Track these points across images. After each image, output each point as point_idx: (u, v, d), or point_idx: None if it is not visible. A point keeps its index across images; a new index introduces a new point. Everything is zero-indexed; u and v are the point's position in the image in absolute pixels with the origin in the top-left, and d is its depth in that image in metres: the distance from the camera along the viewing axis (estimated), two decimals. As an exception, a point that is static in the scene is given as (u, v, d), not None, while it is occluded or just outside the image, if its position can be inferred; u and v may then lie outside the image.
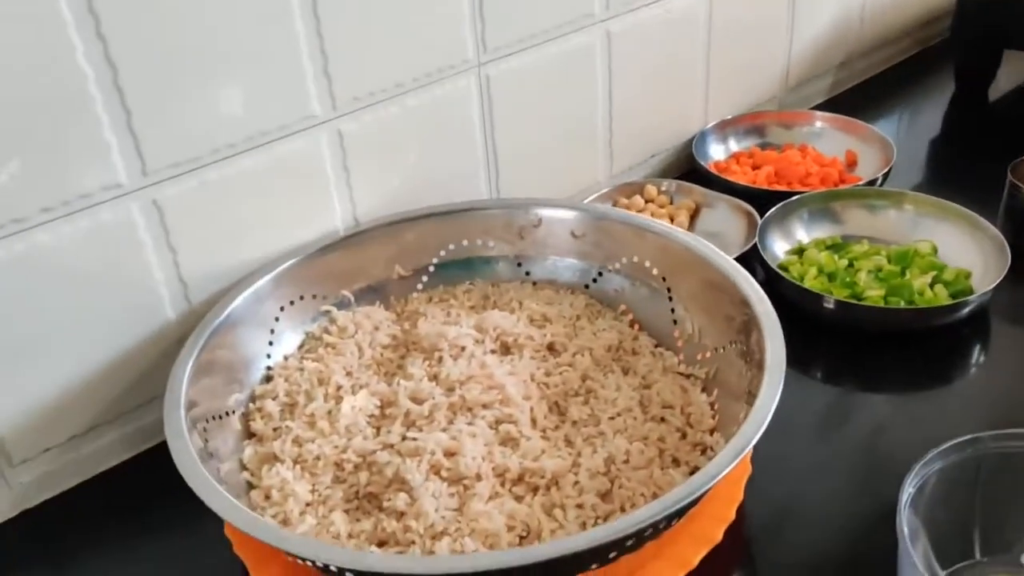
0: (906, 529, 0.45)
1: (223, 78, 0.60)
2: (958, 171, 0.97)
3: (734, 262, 0.63)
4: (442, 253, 0.72)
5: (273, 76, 0.63)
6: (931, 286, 0.73)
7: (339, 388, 0.62)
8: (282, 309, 0.66)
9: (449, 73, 0.73)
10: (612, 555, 0.46)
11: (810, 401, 0.67)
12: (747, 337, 0.58)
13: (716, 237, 0.80)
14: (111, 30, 0.54)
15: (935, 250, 0.78)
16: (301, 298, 0.67)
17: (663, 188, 0.90)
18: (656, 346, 0.67)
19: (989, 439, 0.50)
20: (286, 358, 0.66)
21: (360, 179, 0.71)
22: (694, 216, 0.88)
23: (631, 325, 0.69)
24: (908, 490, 0.47)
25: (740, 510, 0.55)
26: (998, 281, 0.71)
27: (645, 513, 0.45)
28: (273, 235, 0.67)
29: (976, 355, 0.72)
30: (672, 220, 0.85)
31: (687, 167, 0.97)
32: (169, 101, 0.58)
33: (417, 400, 0.60)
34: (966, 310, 0.71)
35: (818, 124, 1.00)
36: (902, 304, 0.71)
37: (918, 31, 1.23)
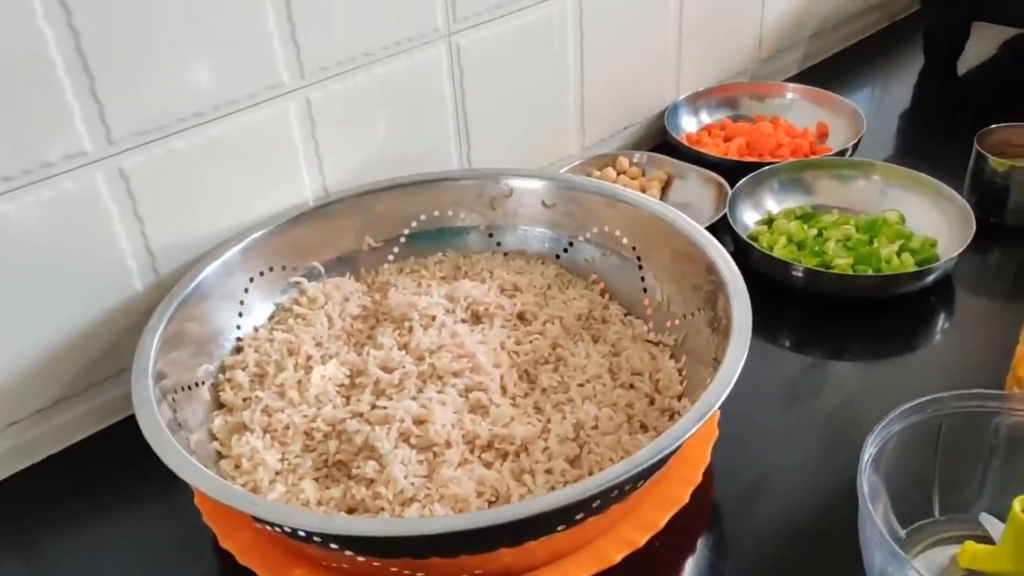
0: (866, 488, 0.46)
1: (190, 45, 0.59)
2: (927, 142, 0.98)
3: (703, 230, 0.63)
4: (413, 224, 0.72)
5: (241, 43, 0.62)
6: (898, 254, 0.74)
7: (309, 358, 0.62)
8: (251, 280, 0.66)
9: (419, 42, 0.72)
10: (579, 516, 0.47)
11: (779, 369, 0.68)
12: (714, 304, 0.59)
13: (687, 208, 0.80)
14: (72, -6, 0.53)
15: (903, 219, 0.79)
16: (271, 269, 0.67)
17: (635, 160, 0.90)
18: (626, 314, 0.67)
19: (949, 399, 0.50)
20: (256, 329, 0.65)
21: (329, 149, 0.70)
22: (665, 188, 0.88)
23: (601, 294, 0.69)
24: (870, 450, 0.48)
25: (707, 473, 0.55)
26: (962, 249, 0.72)
27: (610, 474, 0.45)
28: (242, 206, 0.67)
29: (941, 322, 0.73)
30: (644, 192, 0.85)
31: (659, 139, 0.97)
32: (134, 67, 0.58)
33: (387, 369, 0.60)
34: (931, 277, 0.72)
35: (789, 96, 1.00)
36: (869, 272, 0.72)
37: (888, 4, 1.23)
